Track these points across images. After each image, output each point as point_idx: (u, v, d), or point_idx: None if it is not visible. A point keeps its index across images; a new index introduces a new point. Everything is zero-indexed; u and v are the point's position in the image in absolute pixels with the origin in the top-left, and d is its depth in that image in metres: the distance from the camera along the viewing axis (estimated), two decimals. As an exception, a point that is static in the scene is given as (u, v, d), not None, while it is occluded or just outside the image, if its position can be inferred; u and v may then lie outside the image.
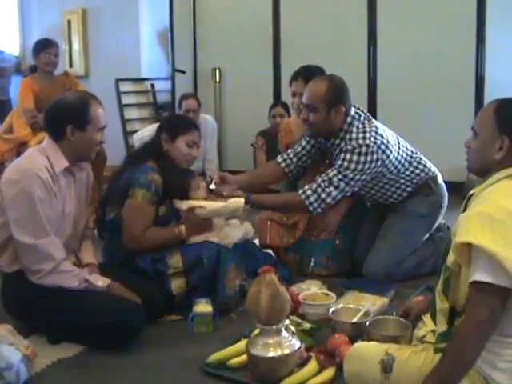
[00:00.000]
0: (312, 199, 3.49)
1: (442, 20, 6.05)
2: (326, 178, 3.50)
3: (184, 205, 3.35)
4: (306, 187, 3.53)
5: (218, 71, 7.40)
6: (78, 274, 2.90)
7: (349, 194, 3.57)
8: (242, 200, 3.42)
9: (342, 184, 3.47)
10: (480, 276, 1.91)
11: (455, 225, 2.10)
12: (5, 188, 2.82)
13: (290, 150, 3.94)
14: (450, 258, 2.11)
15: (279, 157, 3.97)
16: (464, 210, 2.16)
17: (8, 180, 2.84)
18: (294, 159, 3.90)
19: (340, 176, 3.47)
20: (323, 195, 3.48)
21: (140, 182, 3.22)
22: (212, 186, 3.49)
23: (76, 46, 8.39)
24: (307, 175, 4.00)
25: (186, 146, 3.41)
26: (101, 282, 2.92)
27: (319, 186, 3.50)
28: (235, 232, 3.49)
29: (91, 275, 2.94)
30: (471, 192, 2.19)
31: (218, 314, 3.00)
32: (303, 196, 3.50)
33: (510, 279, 1.87)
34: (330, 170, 3.53)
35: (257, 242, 4.00)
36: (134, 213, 3.24)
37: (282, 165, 3.92)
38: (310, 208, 3.51)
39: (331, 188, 3.47)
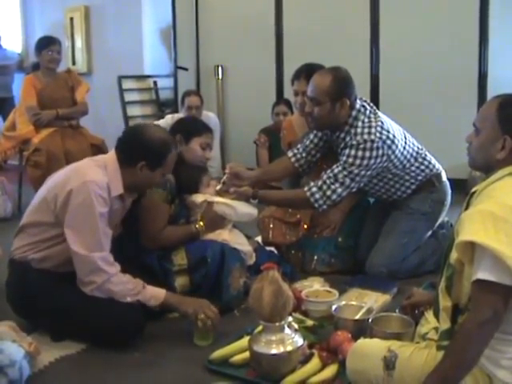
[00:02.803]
0: (317, 196, 3.48)
1: (444, 17, 6.03)
2: (331, 175, 3.49)
3: (199, 198, 3.40)
4: (312, 184, 3.53)
5: (220, 68, 7.39)
6: (132, 289, 2.84)
7: (354, 190, 3.55)
8: (255, 211, 3.47)
9: (348, 180, 3.46)
10: (483, 274, 1.90)
11: (458, 223, 2.08)
12: (67, 194, 2.81)
13: (299, 145, 3.92)
14: (453, 255, 2.09)
15: (289, 152, 3.95)
16: (466, 208, 2.15)
17: (72, 187, 2.81)
18: (304, 154, 3.87)
19: (345, 172, 3.45)
20: (328, 192, 3.47)
21: None
22: (218, 187, 3.50)
23: (79, 43, 8.40)
24: (311, 172, 3.99)
25: (200, 148, 3.46)
26: (153, 301, 2.86)
27: (324, 182, 3.48)
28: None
29: (146, 292, 2.87)
30: (473, 189, 2.18)
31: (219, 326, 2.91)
32: (308, 193, 3.49)
33: None
34: (335, 166, 3.51)
35: (259, 239, 4.00)
36: (151, 212, 3.25)
37: (293, 160, 3.89)
38: (316, 205, 3.50)
39: (336, 185, 3.46)
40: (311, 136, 3.87)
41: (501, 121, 2.11)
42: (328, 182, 3.48)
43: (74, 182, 2.83)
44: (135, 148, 2.96)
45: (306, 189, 3.53)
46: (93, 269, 2.80)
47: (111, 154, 3.01)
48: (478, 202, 2.07)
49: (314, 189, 3.49)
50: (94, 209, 2.78)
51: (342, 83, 3.51)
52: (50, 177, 3.12)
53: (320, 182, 3.50)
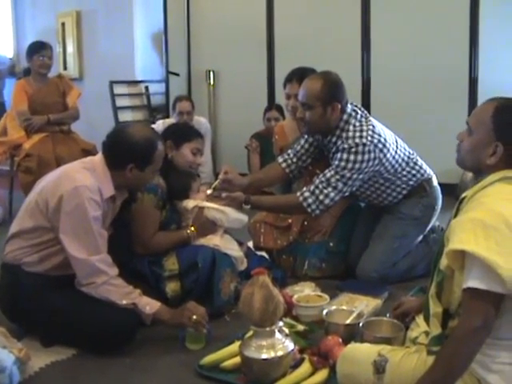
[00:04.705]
0: (310, 201, 3.48)
1: (435, 22, 6.07)
2: (323, 179, 3.49)
3: (190, 204, 3.40)
4: (304, 189, 3.52)
5: (212, 73, 7.41)
6: (128, 293, 2.85)
7: (347, 194, 3.55)
8: (246, 217, 3.48)
9: (340, 184, 3.46)
10: (474, 283, 1.90)
11: (448, 229, 2.08)
12: (58, 200, 2.80)
13: (290, 151, 3.92)
14: (443, 261, 2.09)
15: (280, 158, 3.94)
16: (456, 214, 2.15)
17: (63, 193, 2.80)
18: (295, 159, 3.87)
19: (337, 176, 3.46)
20: (321, 196, 3.47)
21: (146, 187, 3.23)
22: (209, 192, 3.49)
23: (70, 48, 8.39)
24: (303, 177, 4.00)
25: (191, 154, 3.46)
26: (148, 308, 2.85)
27: (317, 187, 3.48)
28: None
29: (141, 299, 2.86)
30: (463, 195, 2.17)
31: (211, 328, 2.92)
32: (301, 198, 3.49)
33: (504, 285, 1.86)
34: (327, 171, 3.51)
35: (251, 244, 4.00)
36: (143, 218, 3.25)
37: (283, 165, 3.89)
38: (309, 210, 3.50)
39: (329, 189, 3.46)
40: (302, 141, 3.88)
41: (495, 126, 2.10)
42: (320, 186, 3.48)
43: (64, 187, 2.82)
44: (121, 152, 2.95)
45: (298, 194, 3.52)
46: (92, 271, 2.80)
47: (99, 157, 3.00)
48: (468, 209, 2.07)
49: (307, 193, 3.49)
50: (87, 213, 2.78)
51: (332, 87, 3.52)
52: (39, 181, 3.10)
53: (312, 187, 3.50)
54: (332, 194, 3.47)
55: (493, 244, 1.89)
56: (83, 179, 2.85)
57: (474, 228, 1.93)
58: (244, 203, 3.49)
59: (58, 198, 2.80)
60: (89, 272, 2.80)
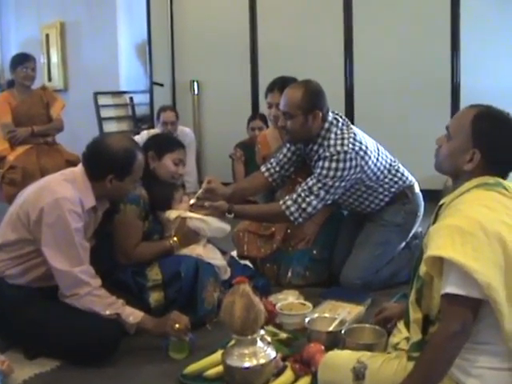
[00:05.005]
0: (293, 209, 3.49)
1: (416, 30, 6.12)
2: (305, 188, 3.50)
3: (173, 214, 3.40)
4: (287, 197, 3.53)
5: (196, 83, 7.42)
6: (112, 304, 2.85)
7: (329, 202, 3.56)
8: (228, 226, 3.48)
9: (322, 192, 3.48)
10: (451, 289, 1.92)
11: (426, 236, 2.10)
12: (39, 212, 2.80)
13: (272, 160, 3.93)
14: (422, 268, 2.11)
15: (263, 167, 3.95)
16: (435, 220, 2.17)
17: (44, 205, 2.80)
18: (277, 168, 3.88)
19: (320, 184, 3.47)
20: (304, 205, 3.48)
21: (129, 198, 3.23)
22: (192, 201, 3.49)
23: (54, 59, 8.41)
24: (286, 186, 4.01)
25: (173, 164, 3.45)
26: (132, 318, 2.85)
27: (299, 195, 3.49)
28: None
29: (125, 309, 2.87)
30: (441, 201, 2.19)
31: (194, 337, 2.94)
32: (284, 206, 3.50)
33: (481, 291, 1.88)
34: (309, 179, 3.53)
35: (235, 253, 4.01)
36: (125, 229, 3.26)
37: (266, 174, 3.90)
38: (292, 218, 3.51)
39: (312, 197, 3.47)
40: (284, 150, 3.89)
41: (474, 133, 2.12)
42: (303, 194, 3.49)
43: (45, 199, 2.82)
44: (100, 163, 2.96)
45: (281, 202, 3.53)
46: (75, 282, 2.80)
47: (80, 168, 3.01)
48: (445, 215, 2.09)
49: (289, 202, 3.50)
50: (69, 225, 2.79)
51: (313, 96, 3.54)
52: (20, 193, 3.10)
53: (295, 196, 3.51)
54: (314, 202, 3.49)
55: (469, 250, 1.90)
56: (64, 191, 2.85)
57: (451, 234, 1.95)
58: (227, 212, 3.50)
59: (38, 211, 2.81)
60: (72, 283, 2.80)
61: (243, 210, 3.63)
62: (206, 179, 3.67)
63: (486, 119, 2.15)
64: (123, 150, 2.96)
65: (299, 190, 3.52)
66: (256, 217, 3.81)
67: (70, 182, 2.93)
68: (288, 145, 3.88)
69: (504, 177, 2.17)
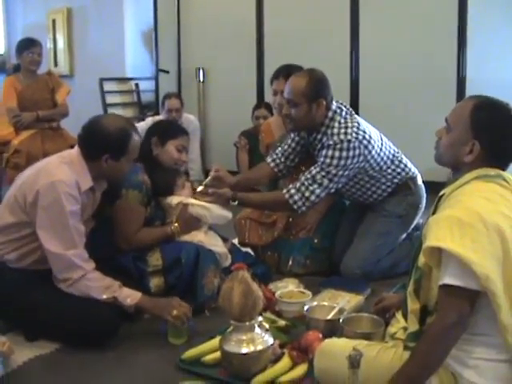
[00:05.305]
0: (296, 198, 3.50)
1: (423, 22, 6.09)
2: (309, 176, 3.51)
3: (175, 200, 3.41)
4: (290, 186, 3.54)
5: (201, 71, 7.42)
6: (108, 286, 2.87)
7: (332, 190, 3.57)
8: (230, 214, 3.49)
9: (326, 181, 3.48)
10: (449, 279, 1.92)
11: (425, 227, 2.10)
12: (35, 194, 2.83)
13: (278, 150, 3.94)
14: (421, 259, 2.12)
15: (268, 157, 3.97)
16: (434, 211, 2.18)
17: (40, 187, 2.83)
18: (283, 158, 3.90)
19: (323, 173, 3.48)
20: (307, 193, 3.49)
21: (131, 183, 3.25)
22: (200, 188, 3.51)
23: (61, 44, 8.41)
24: (288, 175, 4.02)
25: (176, 151, 3.45)
26: (129, 300, 2.87)
27: (303, 184, 3.50)
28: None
29: (122, 290, 2.88)
30: (441, 192, 2.20)
31: (194, 323, 2.96)
32: (287, 195, 3.51)
33: (478, 282, 1.89)
34: (312, 168, 3.54)
35: (236, 240, 4.02)
36: (127, 214, 3.27)
37: (272, 165, 3.92)
38: (295, 207, 3.52)
39: (315, 186, 3.48)
40: (289, 141, 3.90)
41: (473, 124, 2.13)
42: (306, 183, 3.50)
43: (41, 182, 2.84)
44: (95, 143, 2.98)
45: (284, 191, 3.54)
46: (68, 266, 2.82)
47: (76, 150, 3.03)
48: (445, 206, 2.09)
49: (293, 191, 3.51)
50: (63, 208, 2.80)
51: (317, 84, 3.54)
52: (18, 176, 3.12)
53: (298, 184, 3.52)
54: (318, 191, 3.49)
55: (468, 241, 1.91)
56: (60, 174, 2.87)
57: (450, 225, 1.95)
58: (231, 199, 3.51)
59: (35, 193, 2.83)
60: (65, 266, 2.82)
61: (247, 198, 3.64)
62: (213, 167, 3.69)
63: (485, 110, 2.15)
64: (118, 129, 2.98)
65: (302, 178, 3.53)
66: (259, 205, 3.81)
67: (66, 164, 2.95)
68: (292, 135, 3.89)
69: (504, 168, 2.18)
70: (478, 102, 2.17)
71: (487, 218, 1.95)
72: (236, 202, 3.54)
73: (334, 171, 3.47)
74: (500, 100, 2.19)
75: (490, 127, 2.13)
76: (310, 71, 3.62)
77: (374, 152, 3.57)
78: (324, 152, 3.50)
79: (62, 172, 2.89)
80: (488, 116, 2.14)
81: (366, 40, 6.40)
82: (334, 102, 3.63)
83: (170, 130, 3.54)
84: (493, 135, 2.13)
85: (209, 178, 3.61)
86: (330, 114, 3.58)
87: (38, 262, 2.94)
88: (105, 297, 2.83)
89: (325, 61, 5.83)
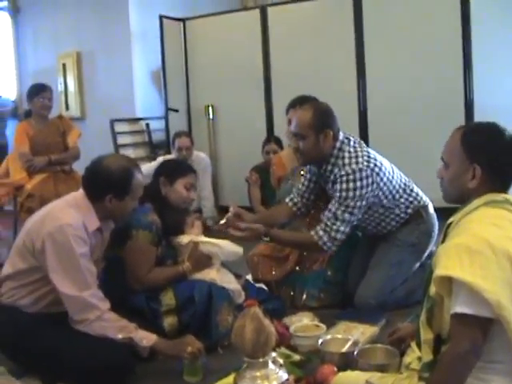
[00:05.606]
0: (325, 239, 3.50)
1: (428, 47, 6.13)
2: (330, 215, 3.51)
3: (185, 239, 3.43)
4: (318, 227, 3.54)
5: (211, 108, 7.47)
6: (124, 327, 2.88)
7: (355, 223, 3.59)
8: (241, 250, 3.49)
9: (347, 215, 3.49)
10: (460, 308, 1.92)
11: (435, 256, 2.11)
12: (43, 240, 2.84)
13: (293, 191, 3.98)
14: (432, 288, 2.11)
15: (287, 198, 3.98)
16: (444, 239, 2.18)
17: (48, 233, 2.85)
18: (299, 198, 3.92)
19: (342, 208, 3.48)
20: (333, 233, 3.49)
21: (141, 224, 3.27)
22: (222, 222, 3.52)
23: (71, 88, 8.48)
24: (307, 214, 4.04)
25: (185, 189, 3.48)
26: (145, 341, 2.87)
27: (326, 224, 3.51)
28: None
29: (137, 332, 2.89)
30: (450, 220, 2.20)
31: (207, 361, 2.96)
32: (316, 237, 3.52)
33: (490, 309, 1.88)
34: (331, 205, 3.55)
35: (250, 277, 4.03)
36: (138, 255, 3.29)
37: (290, 204, 3.94)
38: (325, 247, 3.53)
39: (338, 223, 3.49)
40: (303, 180, 3.93)
41: (466, 151, 2.16)
42: (329, 223, 3.50)
43: (48, 226, 2.87)
44: (98, 183, 3.00)
45: (313, 233, 3.55)
46: (84, 307, 2.83)
47: (81, 192, 3.05)
48: (453, 234, 2.10)
49: (321, 232, 3.52)
50: (73, 251, 2.82)
51: (323, 115, 3.57)
52: (27, 221, 3.15)
53: (323, 225, 3.52)
54: (342, 228, 3.50)
55: (477, 269, 1.91)
56: (66, 217, 2.89)
57: (459, 253, 1.96)
58: (263, 235, 3.53)
59: (43, 238, 2.85)
60: (81, 308, 2.83)
61: (278, 235, 3.66)
62: (232, 205, 3.71)
63: (474, 133, 2.20)
64: (120, 168, 3.00)
65: (325, 218, 3.54)
66: (290, 243, 3.82)
67: (72, 206, 2.98)
68: (306, 175, 3.92)
69: (506, 189, 2.19)
70: (465, 129, 2.23)
71: (496, 244, 1.95)
72: (268, 239, 3.56)
73: (352, 203, 3.48)
74: (490, 122, 2.23)
75: (483, 147, 2.16)
76: (314, 103, 3.67)
77: (385, 179, 3.58)
78: (338, 186, 3.51)
79: (68, 215, 2.91)
80: (478, 137, 2.18)
81: (373, 73, 6.44)
82: (341, 133, 3.64)
83: (177, 168, 3.57)
84: (489, 153, 2.15)
85: (229, 213, 3.61)
86: (338, 144, 3.60)
87: (51, 304, 2.96)
88: (120, 336, 2.83)
89: (332, 95, 5.84)
